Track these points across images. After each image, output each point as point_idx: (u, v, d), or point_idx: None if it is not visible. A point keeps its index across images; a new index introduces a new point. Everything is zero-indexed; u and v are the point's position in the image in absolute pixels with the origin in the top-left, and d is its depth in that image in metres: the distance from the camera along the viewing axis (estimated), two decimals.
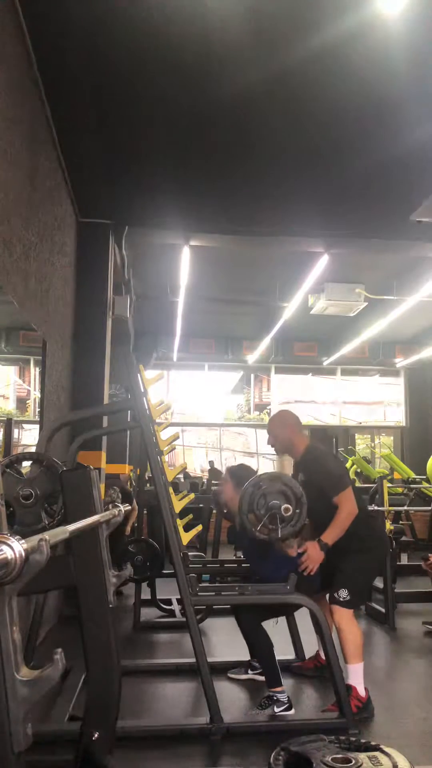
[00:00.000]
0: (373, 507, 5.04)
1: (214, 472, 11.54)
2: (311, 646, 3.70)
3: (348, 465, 9.59)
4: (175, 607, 4.89)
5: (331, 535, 3.02)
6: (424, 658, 3.99)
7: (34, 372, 4.34)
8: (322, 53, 3.49)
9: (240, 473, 3.48)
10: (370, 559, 3.18)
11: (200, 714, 2.91)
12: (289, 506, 2.80)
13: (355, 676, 3.00)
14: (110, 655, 1.94)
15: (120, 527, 3.82)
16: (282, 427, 3.35)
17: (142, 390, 3.18)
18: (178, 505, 3.23)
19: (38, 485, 2.55)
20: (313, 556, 3.00)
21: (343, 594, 3.01)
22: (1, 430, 3.81)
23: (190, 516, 4.08)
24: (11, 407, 4.35)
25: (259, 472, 3.20)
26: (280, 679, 3.04)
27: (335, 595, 3.03)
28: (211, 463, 12.45)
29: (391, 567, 4.70)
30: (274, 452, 3.47)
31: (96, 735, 1.87)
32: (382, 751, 1.94)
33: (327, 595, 3.19)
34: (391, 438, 13.84)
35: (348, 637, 3.00)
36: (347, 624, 3.01)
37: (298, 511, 2.82)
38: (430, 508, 7.17)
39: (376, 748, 1.96)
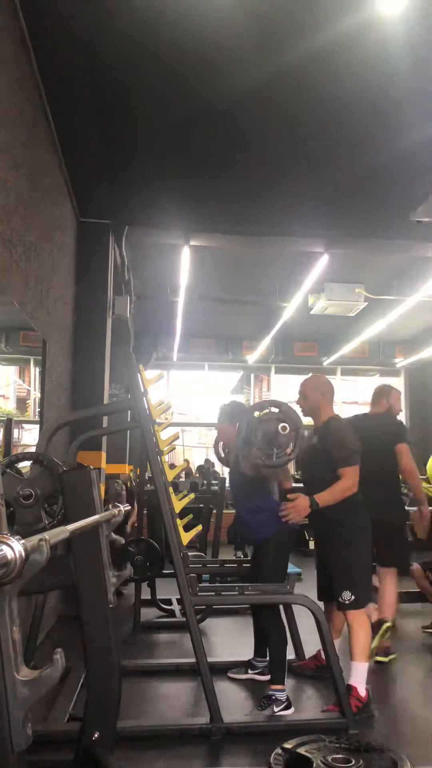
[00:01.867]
0: None
1: (205, 471, 11.57)
2: (311, 646, 3.70)
3: None
4: (175, 607, 4.89)
5: (324, 498, 3.01)
6: (424, 658, 3.99)
7: (34, 372, 4.34)
8: (321, 54, 3.49)
9: (235, 409, 3.50)
10: (359, 551, 3.14)
11: (200, 714, 2.91)
12: (286, 425, 2.78)
13: (359, 674, 3.00)
14: (110, 655, 1.94)
15: (120, 526, 3.82)
16: (315, 390, 3.33)
17: (142, 390, 3.18)
18: (178, 505, 3.23)
19: (38, 485, 2.54)
20: (299, 506, 3.00)
21: (347, 596, 3.01)
22: (1, 430, 3.81)
23: (190, 516, 4.08)
24: (11, 407, 4.35)
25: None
26: (284, 678, 3.04)
27: (340, 600, 3.03)
28: (206, 461, 12.47)
29: None
30: (302, 413, 3.45)
31: (96, 735, 1.87)
32: (382, 751, 1.94)
33: (334, 604, 3.20)
34: None
35: (358, 634, 3.01)
36: (358, 623, 3.03)
37: (294, 434, 2.79)
38: (430, 508, 7.16)
39: (376, 748, 1.96)
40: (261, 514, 3.22)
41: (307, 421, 3.31)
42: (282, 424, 2.77)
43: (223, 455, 3.94)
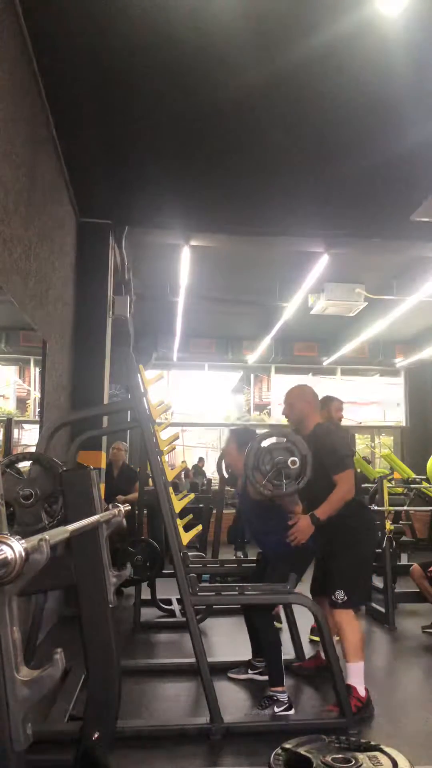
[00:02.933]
0: (373, 507, 5.04)
1: (198, 471, 11.61)
2: (311, 646, 3.70)
3: None
4: (175, 607, 4.89)
5: (323, 511, 3.01)
6: (424, 658, 3.99)
7: (34, 372, 4.34)
8: (322, 53, 3.49)
9: (243, 435, 3.50)
10: (361, 553, 3.16)
11: (200, 714, 2.91)
12: (296, 459, 2.79)
13: (355, 675, 3.00)
14: (110, 655, 1.94)
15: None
16: (300, 400, 3.34)
17: (142, 390, 3.18)
18: (178, 505, 3.23)
19: (38, 485, 2.54)
20: (302, 527, 3.00)
21: (340, 595, 3.01)
22: (1, 430, 3.81)
23: (190, 516, 4.08)
24: (11, 407, 4.34)
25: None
26: (283, 679, 3.04)
27: (333, 597, 3.03)
28: (200, 459, 12.50)
29: (391, 567, 4.70)
30: (288, 423, 3.46)
31: (96, 735, 1.87)
32: (382, 751, 1.93)
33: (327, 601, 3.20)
34: (391, 438, 13.84)
35: (348, 636, 3.00)
36: (348, 623, 3.01)
37: (303, 466, 2.80)
38: (430, 508, 7.17)
39: (376, 748, 1.96)
40: (276, 535, 3.17)
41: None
42: (292, 458, 2.79)
43: (226, 475, 3.95)
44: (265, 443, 2.87)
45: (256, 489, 2.88)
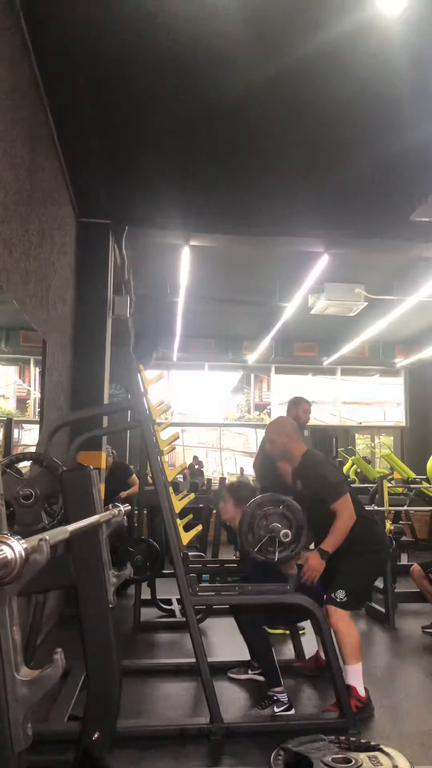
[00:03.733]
0: (373, 507, 5.04)
1: (195, 471, 11.58)
2: (311, 646, 3.70)
3: (348, 465, 9.59)
4: (175, 607, 4.89)
5: (330, 543, 3.03)
6: (424, 658, 3.99)
7: (34, 372, 4.33)
8: (322, 53, 3.49)
9: (239, 492, 3.47)
10: (369, 562, 3.18)
11: (200, 714, 2.91)
12: (288, 532, 2.83)
13: (354, 676, 3.00)
14: (110, 655, 1.94)
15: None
16: (278, 435, 3.38)
17: (142, 390, 3.18)
18: (178, 505, 3.23)
19: (38, 485, 2.55)
20: (313, 565, 3.01)
21: (340, 595, 3.01)
22: (1, 430, 3.81)
23: (190, 516, 4.08)
24: (11, 407, 4.34)
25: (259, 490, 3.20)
26: (280, 679, 3.04)
27: (332, 595, 3.03)
28: (194, 458, 12.49)
29: (391, 567, 4.70)
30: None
31: (96, 735, 1.87)
32: (382, 751, 1.94)
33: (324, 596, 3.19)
34: (391, 438, 13.83)
35: (345, 638, 2.99)
36: (344, 625, 3.01)
37: (296, 536, 2.84)
38: (430, 508, 7.17)
39: (376, 748, 1.96)
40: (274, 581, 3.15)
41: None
42: (284, 531, 2.81)
43: (227, 525, 3.95)
44: (261, 509, 2.88)
45: (250, 553, 2.90)
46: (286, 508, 2.87)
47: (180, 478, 10.47)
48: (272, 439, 3.38)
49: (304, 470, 3.24)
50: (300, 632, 3.96)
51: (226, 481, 4.90)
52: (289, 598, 2.97)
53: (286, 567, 3.14)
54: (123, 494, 5.99)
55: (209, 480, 9.96)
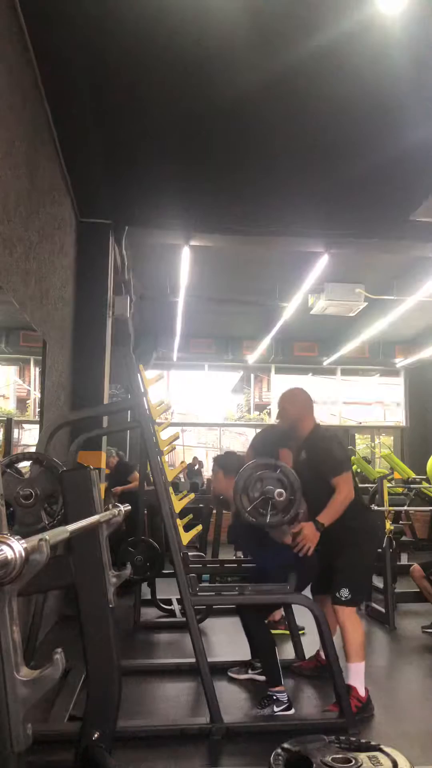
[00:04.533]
0: (373, 507, 5.04)
1: (193, 471, 11.58)
2: (311, 646, 3.70)
3: None
4: (175, 607, 4.89)
5: (327, 516, 3.01)
6: (424, 658, 3.99)
7: (34, 372, 4.34)
8: (322, 53, 3.49)
9: (227, 461, 3.52)
10: (364, 552, 3.17)
11: (200, 714, 2.91)
12: (282, 492, 2.79)
13: (356, 675, 3.00)
14: (110, 655, 1.94)
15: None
16: (292, 404, 3.35)
17: (142, 390, 3.18)
18: (178, 505, 3.23)
19: (38, 485, 2.55)
20: (308, 535, 2.99)
21: (345, 593, 3.01)
22: (1, 430, 3.81)
23: (190, 516, 4.08)
24: (11, 407, 4.35)
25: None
26: (280, 678, 3.04)
27: (337, 595, 3.03)
28: (195, 460, 12.50)
29: (391, 567, 4.71)
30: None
31: (96, 735, 1.87)
32: (382, 751, 1.93)
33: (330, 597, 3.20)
34: (391, 438, 13.83)
35: (351, 635, 3.00)
36: (351, 623, 3.01)
37: (291, 498, 2.80)
38: (430, 508, 7.18)
39: (376, 748, 1.96)
40: (272, 555, 3.16)
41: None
42: (279, 490, 2.79)
43: (221, 497, 3.95)
44: (257, 472, 2.87)
45: (242, 515, 2.88)
46: (282, 474, 2.85)
47: (180, 477, 10.48)
48: (285, 408, 3.35)
49: (312, 441, 3.23)
50: (300, 632, 3.96)
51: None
52: (289, 598, 2.97)
53: (280, 534, 3.12)
54: (118, 489, 6.01)
55: (209, 480, 9.97)
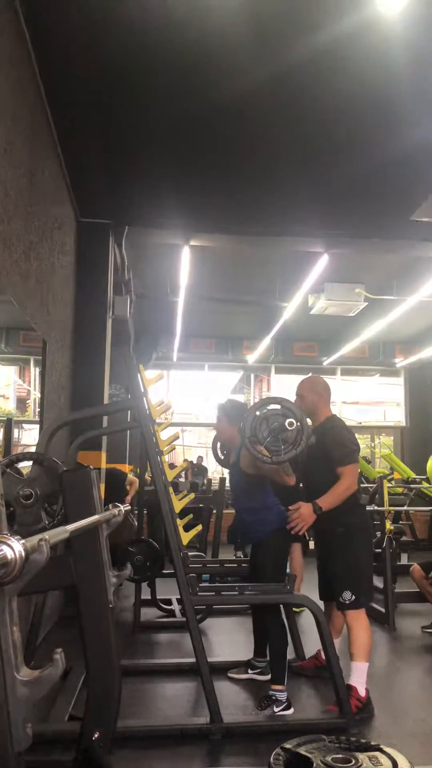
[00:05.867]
0: (373, 507, 5.04)
1: (200, 468, 11.61)
2: (311, 646, 3.70)
3: None
4: (175, 607, 4.89)
5: (326, 501, 3.02)
6: (424, 658, 3.99)
7: (34, 372, 4.34)
8: (322, 53, 3.49)
9: (232, 408, 3.53)
10: (360, 551, 3.15)
11: (200, 714, 2.91)
12: (293, 420, 2.79)
13: (359, 674, 3.00)
14: (110, 655, 1.94)
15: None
16: (310, 391, 3.35)
17: (142, 390, 3.18)
18: (178, 505, 3.23)
19: (38, 485, 2.54)
20: (304, 514, 3.00)
21: (347, 596, 3.01)
22: (1, 430, 3.81)
23: (190, 516, 4.08)
24: (11, 407, 4.34)
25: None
26: (285, 678, 3.04)
27: (340, 600, 3.03)
28: (199, 459, 12.52)
29: (391, 567, 4.71)
30: None
31: (96, 735, 1.87)
32: (382, 751, 1.93)
33: (334, 604, 3.20)
34: (391, 438, 13.83)
35: (358, 635, 3.01)
36: (359, 624, 3.03)
37: (300, 428, 2.80)
38: (430, 508, 7.18)
39: (376, 748, 1.96)
40: (260, 513, 3.23)
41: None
42: (289, 420, 2.78)
43: (222, 456, 3.95)
44: (260, 411, 2.87)
45: (255, 458, 2.87)
46: (285, 408, 2.85)
47: (182, 476, 10.50)
48: (302, 395, 3.34)
49: (324, 428, 3.23)
50: (299, 609, 3.93)
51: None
52: (290, 598, 2.97)
53: (284, 474, 3.12)
54: (128, 498, 5.95)
55: (209, 480, 9.97)
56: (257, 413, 2.86)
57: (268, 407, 2.89)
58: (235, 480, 3.43)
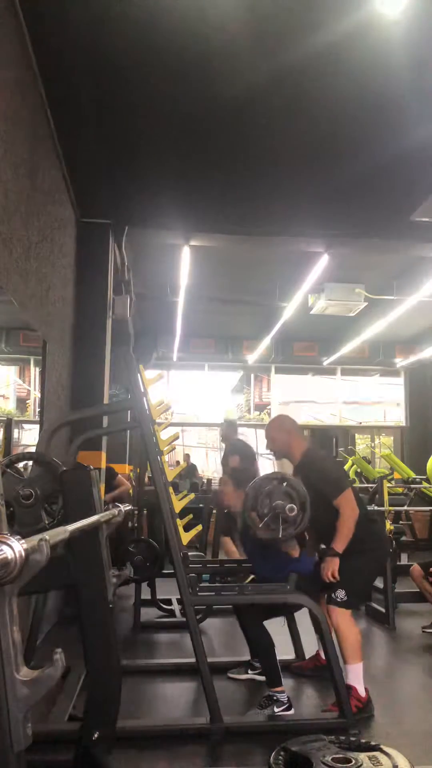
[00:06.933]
0: (373, 507, 5.04)
1: (190, 468, 11.57)
2: (311, 646, 3.70)
3: (348, 465, 9.59)
4: (175, 607, 4.89)
5: (340, 542, 3.03)
6: (424, 658, 3.99)
7: (34, 372, 4.34)
8: (322, 53, 3.49)
9: (239, 475, 3.49)
10: (369, 561, 3.18)
11: (200, 714, 2.91)
12: (293, 506, 2.81)
13: (355, 676, 3.00)
14: (110, 655, 1.94)
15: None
16: (279, 431, 3.37)
17: (142, 390, 3.18)
18: (178, 505, 3.23)
19: (38, 485, 2.54)
20: (330, 570, 3.02)
21: (341, 594, 3.01)
22: (1, 430, 3.81)
23: (190, 516, 4.08)
24: (11, 407, 4.34)
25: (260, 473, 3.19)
26: (280, 678, 3.04)
27: (333, 595, 3.03)
28: (186, 456, 12.51)
29: (391, 567, 4.70)
30: (273, 456, 3.48)
31: (96, 735, 1.87)
32: (382, 751, 1.93)
33: (325, 596, 3.20)
34: (391, 438, 13.83)
35: (346, 637, 3.00)
36: (345, 624, 3.01)
37: (302, 512, 2.83)
38: (430, 508, 7.18)
39: (376, 748, 1.96)
40: (279, 573, 3.15)
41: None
42: (290, 506, 2.80)
43: (226, 511, 3.93)
44: (265, 487, 2.87)
45: (254, 532, 2.89)
46: (289, 486, 2.86)
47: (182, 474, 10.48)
48: (273, 437, 3.37)
49: (305, 467, 3.24)
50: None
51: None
52: (290, 597, 2.97)
53: (289, 547, 3.13)
54: (108, 497, 5.92)
55: (209, 480, 9.97)
56: (261, 488, 2.88)
57: (272, 483, 2.90)
58: (249, 546, 3.41)
